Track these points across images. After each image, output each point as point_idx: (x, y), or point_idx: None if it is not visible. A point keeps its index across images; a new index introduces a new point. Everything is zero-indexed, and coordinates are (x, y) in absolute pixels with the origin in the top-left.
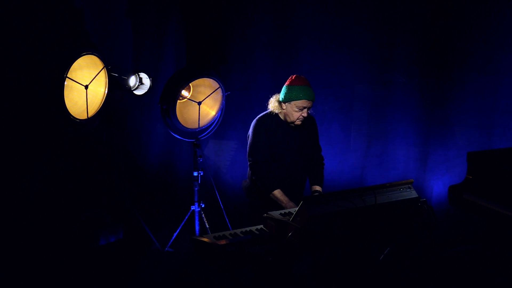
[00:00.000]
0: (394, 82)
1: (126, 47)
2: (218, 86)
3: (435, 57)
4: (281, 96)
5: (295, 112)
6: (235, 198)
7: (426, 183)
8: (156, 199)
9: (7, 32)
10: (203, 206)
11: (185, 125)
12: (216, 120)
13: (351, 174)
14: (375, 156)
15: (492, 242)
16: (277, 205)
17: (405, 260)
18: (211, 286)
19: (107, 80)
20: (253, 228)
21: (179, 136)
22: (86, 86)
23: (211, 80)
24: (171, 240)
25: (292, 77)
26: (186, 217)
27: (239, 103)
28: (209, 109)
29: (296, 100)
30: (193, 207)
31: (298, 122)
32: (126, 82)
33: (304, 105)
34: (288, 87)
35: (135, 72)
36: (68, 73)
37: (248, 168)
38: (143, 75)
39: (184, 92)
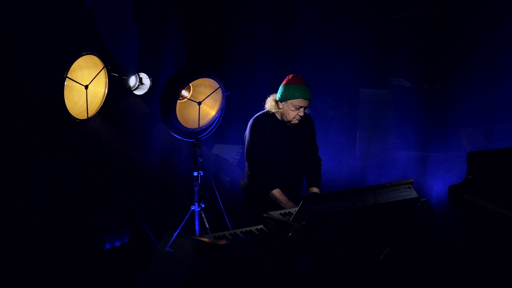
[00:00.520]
0: (394, 82)
1: (132, 47)
2: (218, 86)
3: (435, 57)
4: (277, 95)
5: (292, 111)
6: (235, 198)
7: (426, 183)
8: (156, 199)
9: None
10: (203, 206)
11: (185, 125)
12: (216, 120)
13: (351, 174)
14: (375, 156)
15: (492, 242)
16: (276, 204)
17: (405, 260)
18: (211, 286)
19: (107, 80)
20: (253, 228)
21: (179, 136)
22: (86, 86)
23: (211, 80)
24: (171, 240)
25: (289, 76)
26: (186, 217)
27: (239, 103)
28: (209, 109)
29: (292, 99)
30: (193, 207)
31: (295, 122)
32: (126, 82)
33: (301, 104)
34: (285, 86)
35: (135, 72)
36: (68, 73)
37: (247, 168)
38: (143, 75)
39: (184, 92)
